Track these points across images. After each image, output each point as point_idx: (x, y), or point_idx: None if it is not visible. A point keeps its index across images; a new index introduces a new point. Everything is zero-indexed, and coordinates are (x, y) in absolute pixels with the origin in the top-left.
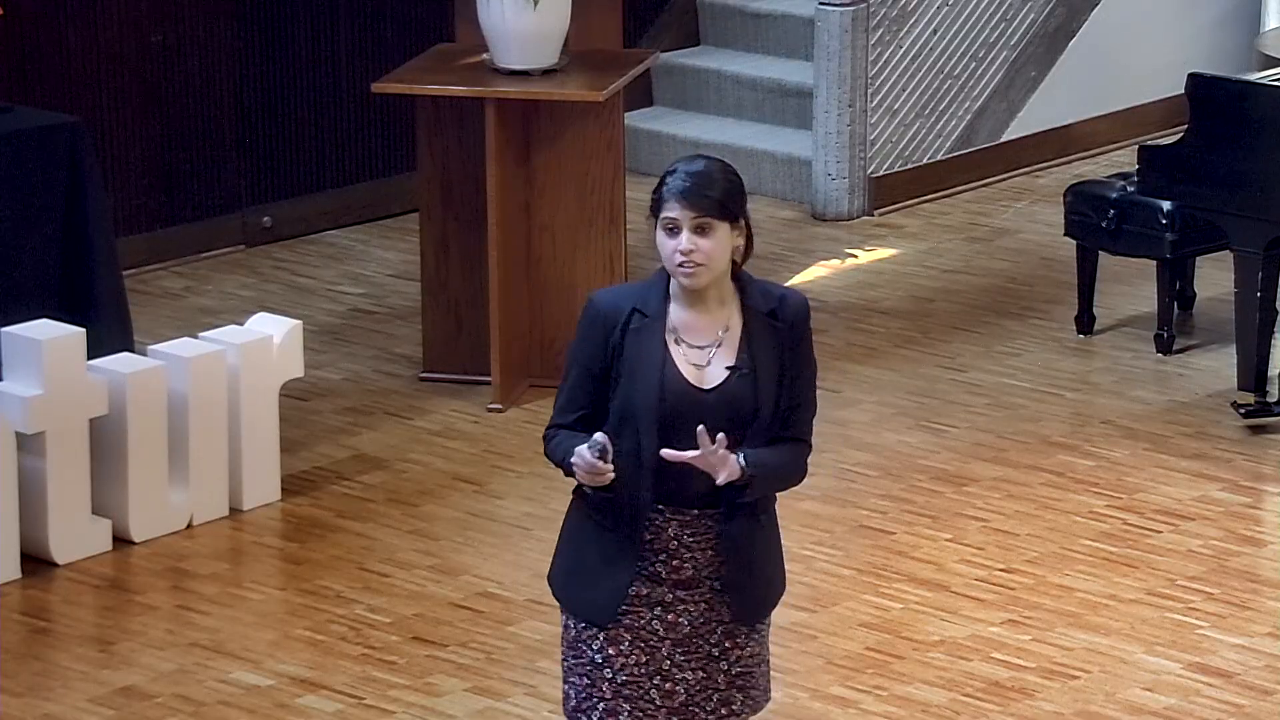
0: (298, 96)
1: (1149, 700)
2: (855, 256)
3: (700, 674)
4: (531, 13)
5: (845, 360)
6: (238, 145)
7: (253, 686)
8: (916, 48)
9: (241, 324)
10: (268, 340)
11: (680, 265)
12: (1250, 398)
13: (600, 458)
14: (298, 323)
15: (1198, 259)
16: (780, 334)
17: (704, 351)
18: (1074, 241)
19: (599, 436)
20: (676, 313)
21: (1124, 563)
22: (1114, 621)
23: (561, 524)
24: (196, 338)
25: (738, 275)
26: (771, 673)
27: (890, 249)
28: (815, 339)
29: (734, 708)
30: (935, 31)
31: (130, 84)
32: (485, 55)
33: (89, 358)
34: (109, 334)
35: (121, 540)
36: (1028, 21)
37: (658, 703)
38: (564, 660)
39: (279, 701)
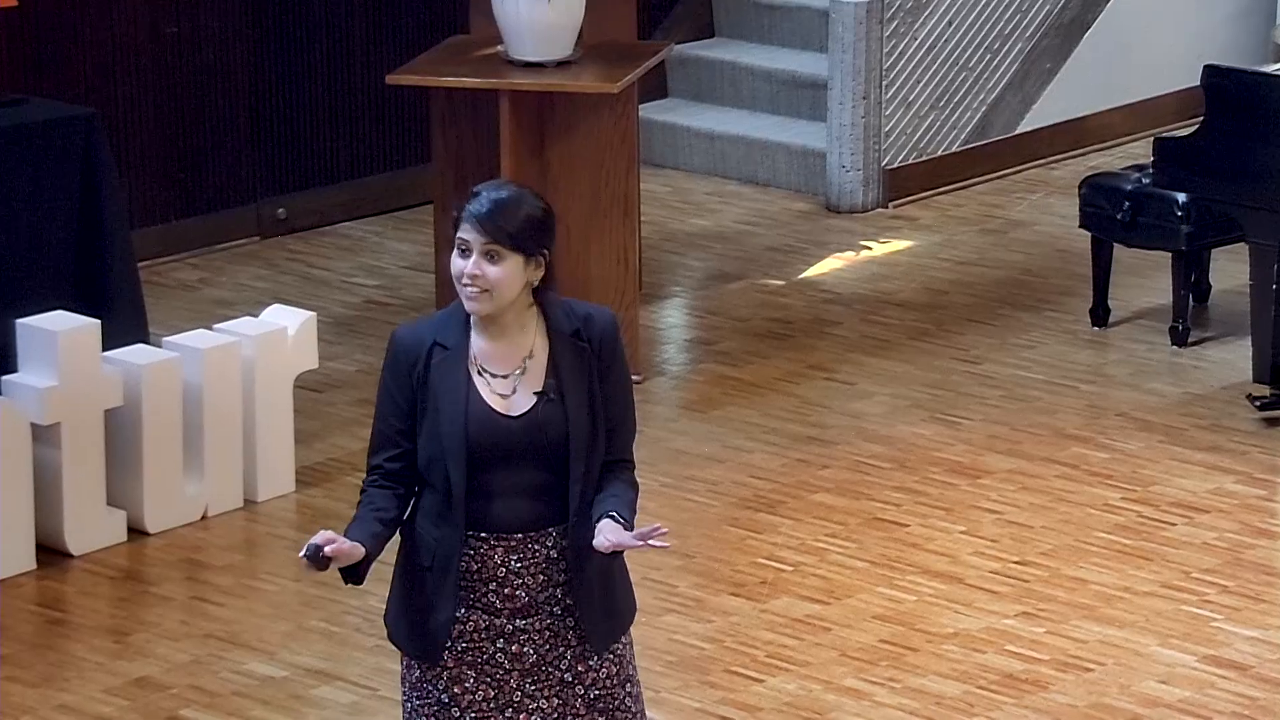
0: (312, 88)
1: (1163, 693)
2: (869, 249)
3: (556, 701)
4: (546, 5)
5: (859, 352)
6: (252, 137)
7: (267, 677)
8: (931, 39)
9: (256, 315)
10: (282, 332)
11: (465, 287)
12: (1266, 390)
13: (310, 555)
14: (312, 314)
15: (1213, 251)
16: (586, 355)
17: (508, 380)
18: (1089, 234)
19: (320, 540)
20: (477, 342)
21: (1138, 555)
22: (1128, 614)
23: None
24: (211, 329)
25: (543, 299)
26: (785, 665)
27: (904, 241)
28: (830, 331)
29: None
30: (950, 23)
31: (145, 76)
32: (500, 47)
33: (104, 349)
34: (124, 325)
35: (136, 531)
36: (1043, 13)
37: None
38: (406, 702)
39: (294, 693)
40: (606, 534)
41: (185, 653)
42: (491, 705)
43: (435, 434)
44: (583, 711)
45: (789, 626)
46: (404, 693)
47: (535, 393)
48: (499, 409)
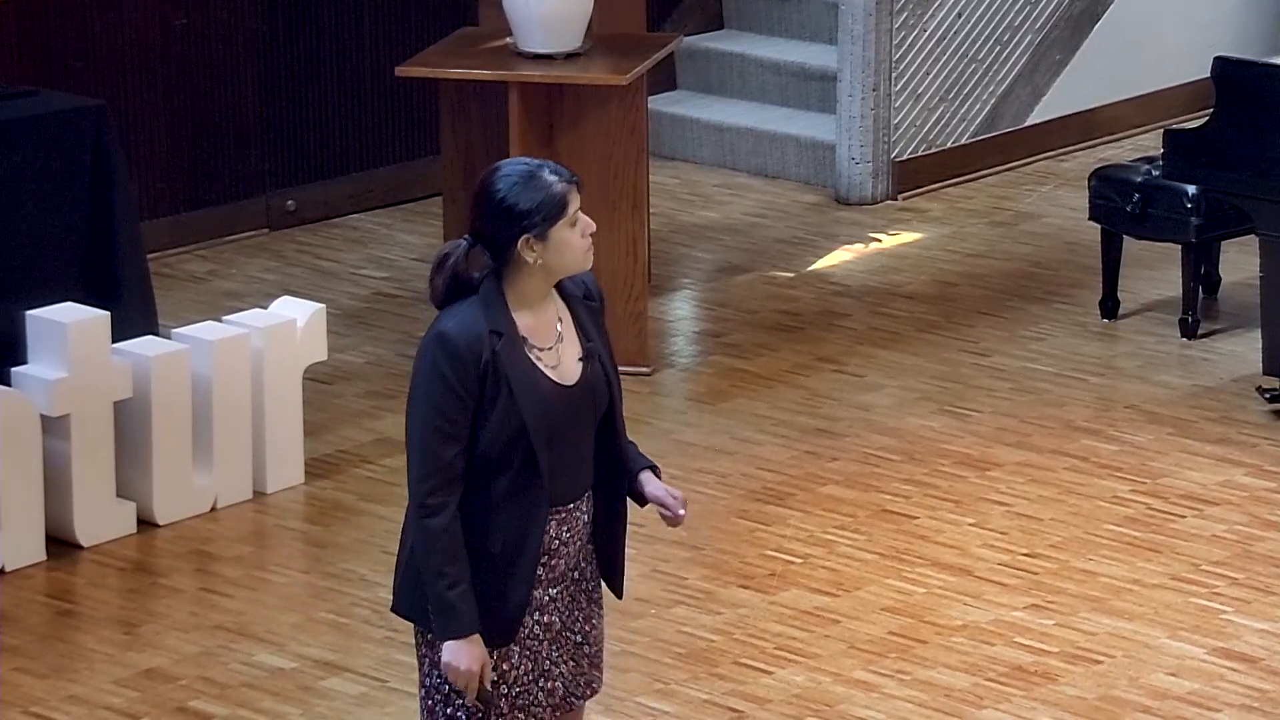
0: (321, 80)
1: (1172, 685)
2: (879, 241)
3: (571, 664)
4: None
5: (868, 344)
6: (261, 129)
7: (276, 669)
8: (941, 31)
9: (265, 307)
10: (291, 324)
11: (588, 249)
12: (1275, 382)
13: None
14: (321, 306)
15: (1223, 243)
16: (597, 314)
17: (553, 351)
18: (1098, 226)
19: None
20: (521, 320)
21: (1148, 547)
22: (1137, 606)
23: (412, 553)
24: (220, 321)
25: None
26: (794, 657)
27: (914, 233)
28: (839, 323)
29: (594, 686)
30: (960, 15)
31: (154, 67)
32: (509, 39)
33: (113, 341)
34: (133, 317)
35: (146, 523)
36: (1053, 5)
37: (543, 703)
38: (439, 684)
39: (302, 684)
40: (660, 491)
41: (194, 644)
42: (529, 677)
43: (513, 415)
44: (587, 669)
45: (798, 619)
46: (439, 674)
47: (579, 359)
48: (557, 380)
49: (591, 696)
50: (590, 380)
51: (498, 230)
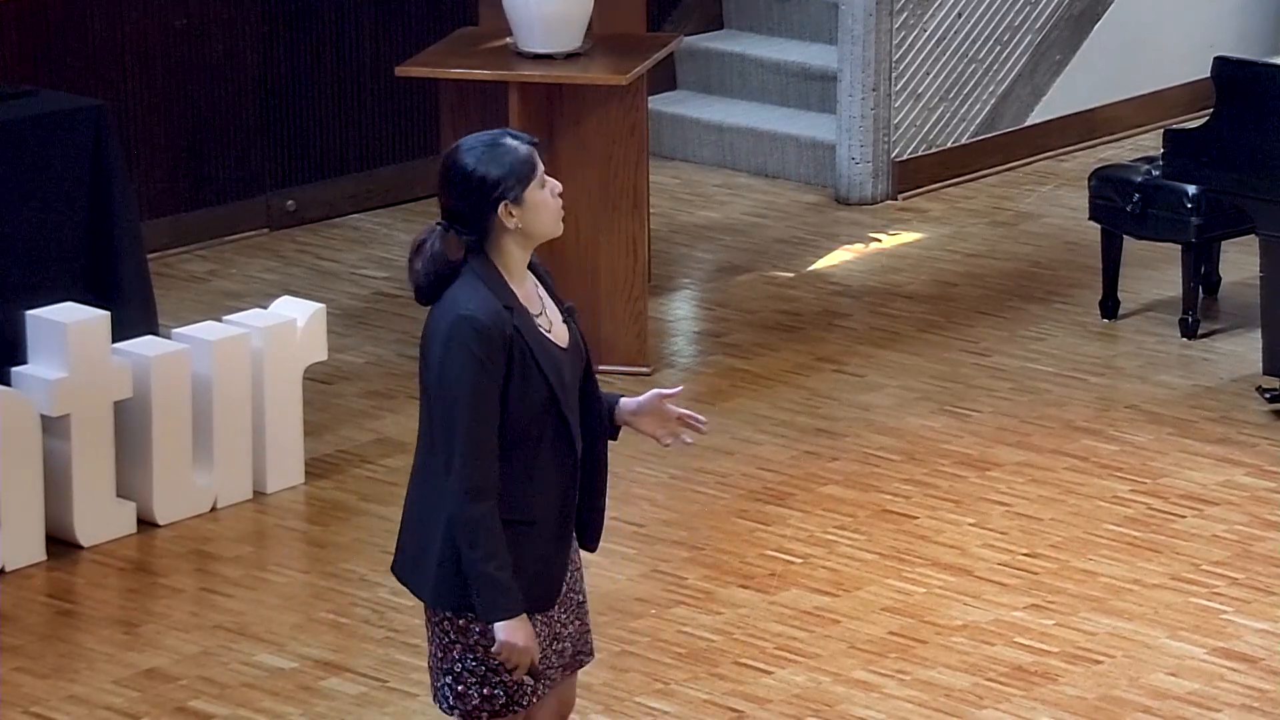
0: (321, 80)
1: (1172, 685)
2: (879, 241)
3: (577, 623)
4: None
5: (868, 345)
6: (262, 128)
7: (276, 669)
8: (941, 31)
9: (265, 307)
10: (291, 324)
11: (560, 209)
12: (1276, 382)
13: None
14: (321, 306)
15: (1223, 243)
16: (554, 281)
17: (544, 317)
18: (1098, 226)
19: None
20: (518, 291)
21: (1148, 547)
22: (1137, 606)
23: (450, 543)
24: (220, 321)
25: None
26: (794, 657)
27: (914, 233)
28: (839, 323)
29: (593, 646)
30: (960, 15)
31: (154, 67)
32: (509, 39)
33: (113, 341)
34: (133, 317)
35: (146, 523)
36: (1053, 5)
37: (555, 664)
38: (474, 667)
39: (302, 684)
40: (645, 395)
41: (194, 644)
42: (545, 640)
43: (538, 385)
44: (589, 627)
45: (798, 618)
46: (474, 657)
47: (563, 321)
48: (557, 344)
49: (592, 658)
50: (576, 341)
51: (475, 203)
